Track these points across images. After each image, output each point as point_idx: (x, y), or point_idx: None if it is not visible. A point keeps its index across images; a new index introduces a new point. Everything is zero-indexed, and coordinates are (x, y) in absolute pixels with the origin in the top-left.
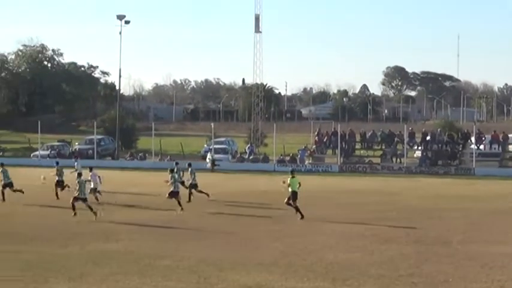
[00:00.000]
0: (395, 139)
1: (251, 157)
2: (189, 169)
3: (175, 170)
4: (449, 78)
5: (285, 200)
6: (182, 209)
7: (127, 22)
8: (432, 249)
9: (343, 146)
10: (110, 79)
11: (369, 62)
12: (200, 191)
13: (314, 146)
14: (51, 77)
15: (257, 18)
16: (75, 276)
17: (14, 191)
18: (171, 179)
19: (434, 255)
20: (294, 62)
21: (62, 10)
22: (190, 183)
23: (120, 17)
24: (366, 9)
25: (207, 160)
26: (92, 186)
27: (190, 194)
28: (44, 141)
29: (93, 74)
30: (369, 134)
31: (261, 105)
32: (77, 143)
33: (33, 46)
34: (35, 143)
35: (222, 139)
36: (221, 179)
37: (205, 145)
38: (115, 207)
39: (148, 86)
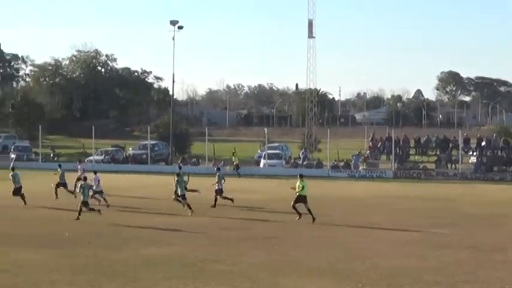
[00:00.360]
0: (450, 145)
1: (305, 162)
2: (217, 174)
3: (180, 173)
4: (504, 83)
5: (291, 204)
6: (191, 210)
7: (180, 27)
8: (487, 255)
9: (397, 151)
10: (163, 84)
11: (423, 67)
12: (225, 197)
13: (368, 152)
14: (105, 82)
15: (310, 24)
16: (128, 281)
17: (22, 197)
18: (177, 182)
19: (489, 262)
20: (347, 67)
21: (115, 15)
22: (216, 189)
23: (173, 23)
24: (420, 13)
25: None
26: (95, 188)
27: (225, 198)
28: (98, 146)
29: (146, 79)
30: (423, 139)
31: (314, 111)
32: (130, 148)
33: (87, 51)
34: (89, 148)
35: (276, 144)
36: (274, 185)
37: (259, 150)
38: (166, 213)
39: (201, 91)
